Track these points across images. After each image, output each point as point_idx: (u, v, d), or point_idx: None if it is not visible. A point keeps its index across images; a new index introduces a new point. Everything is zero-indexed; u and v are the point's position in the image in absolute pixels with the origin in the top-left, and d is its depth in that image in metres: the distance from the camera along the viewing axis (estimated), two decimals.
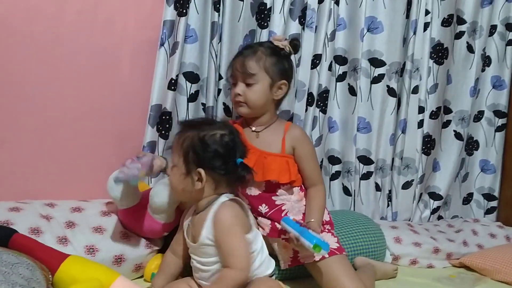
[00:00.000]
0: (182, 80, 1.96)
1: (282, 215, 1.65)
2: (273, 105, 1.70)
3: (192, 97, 2.00)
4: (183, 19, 1.89)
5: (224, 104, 2.03)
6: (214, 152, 1.35)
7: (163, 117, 1.93)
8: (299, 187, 1.70)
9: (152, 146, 1.93)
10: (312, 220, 1.60)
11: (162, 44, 1.90)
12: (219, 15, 1.96)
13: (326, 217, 1.73)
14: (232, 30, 1.99)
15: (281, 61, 1.66)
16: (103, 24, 1.87)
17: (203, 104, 2.02)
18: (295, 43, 1.71)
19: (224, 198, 1.38)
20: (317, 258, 1.58)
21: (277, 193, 1.66)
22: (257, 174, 1.49)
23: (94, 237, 1.61)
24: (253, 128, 1.68)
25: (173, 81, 1.91)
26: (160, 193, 1.55)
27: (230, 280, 1.30)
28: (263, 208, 1.66)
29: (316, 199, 1.66)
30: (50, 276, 1.20)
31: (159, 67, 1.91)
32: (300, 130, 1.73)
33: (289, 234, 1.51)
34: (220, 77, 2.00)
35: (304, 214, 1.68)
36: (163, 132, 1.95)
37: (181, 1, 1.88)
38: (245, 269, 1.33)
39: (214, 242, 1.34)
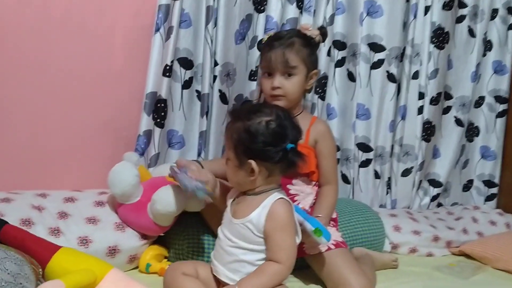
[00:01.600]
0: (176, 66, 1.92)
1: None
2: (302, 95, 1.70)
3: (187, 84, 1.95)
4: (177, 2, 1.84)
5: (220, 91, 1.98)
6: (263, 142, 1.29)
7: (158, 105, 1.89)
8: (315, 182, 1.67)
9: (148, 135, 1.89)
10: (320, 215, 1.57)
11: (157, 29, 1.85)
12: None
13: (333, 215, 1.71)
14: (228, 14, 1.94)
15: (314, 51, 1.66)
16: (95, 9, 1.82)
17: (198, 91, 1.98)
18: (324, 32, 1.71)
19: (280, 195, 1.35)
20: (322, 249, 1.54)
21: (292, 183, 1.64)
22: None
23: (87, 228, 1.58)
24: None
25: (168, 67, 1.86)
26: (164, 201, 1.50)
27: (274, 274, 1.28)
28: None
29: (327, 197, 1.63)
30: (40, 270, 1.17)
31: (155, 53, 1.86)
32: (325, 125, 1.72)
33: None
34: (216, 63, 1.95)
35: (312, 208, 1.65)
36: (158, 120, 1.91)
37: None
38: (290, 267, 1.30)
39: (263, 233, 1.30)
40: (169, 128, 1.97)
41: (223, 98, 2.00)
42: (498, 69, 2.52)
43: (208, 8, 1.90)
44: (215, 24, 1.93)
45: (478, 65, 2.45)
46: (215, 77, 1.96)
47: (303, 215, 1.45)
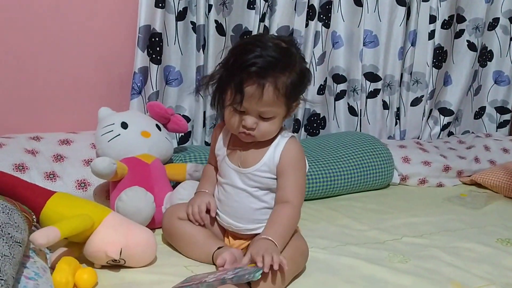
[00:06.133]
0: None
1: None
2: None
3: (181, 15, 1.83)
4: None
5: (216, 21, 1.85)
6: (309, 75, 1.21)
7: (153, 39, 1.78)
8: None
9: (144, 72, 1.80)
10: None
11: None
12: None
13: None
14: None
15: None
16: None
17: (193, 23, 1.86)
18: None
19: (289, 133, 1.25)
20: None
21: None
22: None
23: (85, 170, 1.53)
24: None
25: None
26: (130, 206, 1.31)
27: (291, 218, 1.18)
28: None
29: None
30: (33, 217, 1.13)
31: None
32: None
33: None
34: None
35: None
36: (153, 56, 1.80)
37: None
38: (300, 207, 1.21)
39: (276, 173, 1.21)
40: (166, 64, 1.87)
41: (220, 29, 1.87)
42: None
43: None
44: None
45: None
46: (210, 6, 1.83)
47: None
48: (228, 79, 1.14)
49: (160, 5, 1.75)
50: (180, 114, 1.81)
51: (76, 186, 1.49)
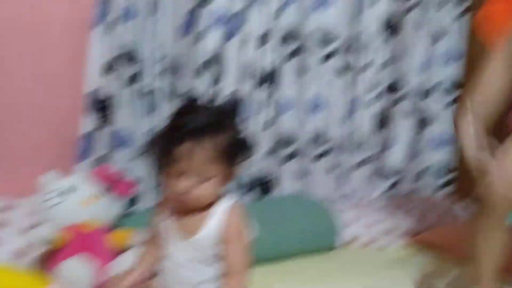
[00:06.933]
0: (118, 62, 1.82)
1: None
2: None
3: (131, 81, 1.85)
4: None
5: (166, 87, 1.89)
6: (247, 140, 1.20)
7: (101, 105, 1.80)
8: None
9: (91, 137, 1.81)
10: None
11: (97, 23, 1.75)
12: None
13: None
14: (173, 6, 1.85)
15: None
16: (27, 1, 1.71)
17: (142, 88, 1.88)
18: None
19: (231, 198, 1.22)
20: None
21: None
22: None
23: (24, 238, 1.47)
24: None
25: (109, 64, 1.77)
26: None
27: None
28: None
29: None
30: None
31: (94, 48, 1.77)
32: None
33: None
34: (160, 58, 1.86)
35: None
36: (102, 120, 1.82)
37: None
38: (247, 276, 1.18)
39: (221, 241, 1.18)
40: (114, 128, 1.87)
41: (170, 94, 1.91)
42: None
43: None
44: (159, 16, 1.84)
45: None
46: (160, 72, 1.87)
47: None
48: (162, 142, 1.16)
49: (110, 71, 1.77)
50: (128, 178, 1.80)
51: (14, 255, 1.43)
